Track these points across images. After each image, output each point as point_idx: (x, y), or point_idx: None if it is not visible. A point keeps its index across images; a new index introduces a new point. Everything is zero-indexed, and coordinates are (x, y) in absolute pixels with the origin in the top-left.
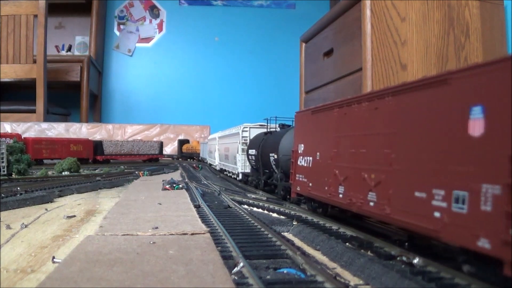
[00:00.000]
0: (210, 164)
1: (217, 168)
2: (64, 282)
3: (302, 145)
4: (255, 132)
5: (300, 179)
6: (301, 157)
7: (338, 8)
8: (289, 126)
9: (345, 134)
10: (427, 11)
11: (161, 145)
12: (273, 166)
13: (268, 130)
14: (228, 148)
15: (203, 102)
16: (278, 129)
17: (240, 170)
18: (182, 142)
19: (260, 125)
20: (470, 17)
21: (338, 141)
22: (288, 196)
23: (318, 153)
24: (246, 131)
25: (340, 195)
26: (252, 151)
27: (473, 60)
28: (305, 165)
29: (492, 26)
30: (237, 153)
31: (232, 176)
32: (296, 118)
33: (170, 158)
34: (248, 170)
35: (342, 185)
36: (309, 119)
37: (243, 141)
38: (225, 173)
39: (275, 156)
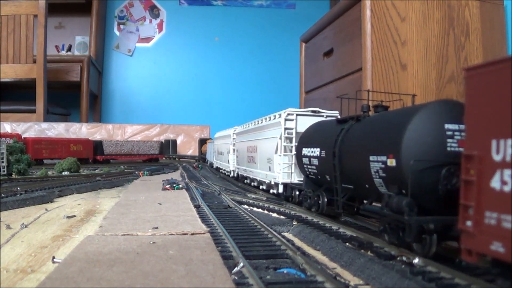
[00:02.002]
0: (219, 169)
1: (232, 174)
2: (64, 282)
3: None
4: (305, 121)
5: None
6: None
7: (338, 8)
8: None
9: None
10: (427, 11)
11: (161, 145)
12: (377, 180)
13: (339, 117)
14: (255, 147)
15: (203, 102)
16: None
17: (280, 180)
18: (202, 142)
19: (313, 111)
20: (470, 17)
21: None
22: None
23: None
24: (291, 119)
25: None
26: (311, 151)
27: (473, 60)
28: None
29: (492, 26)
30: (275, 153)
31: (261, 187)
32: (478, 82)
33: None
34: (294, 179)
35: None
36: None
37: (287, 135)
38: (246, 181)
39: (390, 162)
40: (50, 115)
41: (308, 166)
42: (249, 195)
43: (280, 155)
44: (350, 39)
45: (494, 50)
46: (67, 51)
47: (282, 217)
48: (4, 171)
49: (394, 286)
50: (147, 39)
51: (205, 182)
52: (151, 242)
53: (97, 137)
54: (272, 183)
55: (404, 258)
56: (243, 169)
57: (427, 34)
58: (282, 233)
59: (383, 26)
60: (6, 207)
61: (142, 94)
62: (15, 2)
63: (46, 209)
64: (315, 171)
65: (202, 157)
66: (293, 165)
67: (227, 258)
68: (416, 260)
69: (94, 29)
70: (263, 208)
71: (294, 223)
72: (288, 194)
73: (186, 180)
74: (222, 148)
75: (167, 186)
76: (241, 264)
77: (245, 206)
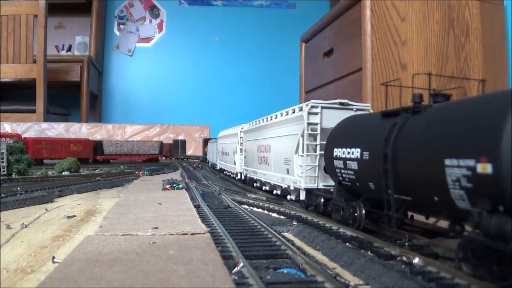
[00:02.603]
0: (223, 170)
1: (239, 177)
2: (64, 282)
3: None
4: (332, 115)
5: None
6: None
7: (338, 8)
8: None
9: None
10: (427, 11)
11: (161, 145)
12: (456, 192)
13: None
14: (269, 147)
15: (203, 102)
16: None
17: (303, 185)
18: (206, 142)
19: (341, 103)
20: (470, 17)
21: None
22: None
23: None
24: (316, 113)
25: None
26: (347, 152)
27: (473, 60)
28: None
29: (492, 26)
30: (296, 153)
31: (275, 191)
32: None
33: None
34: (319, 184)
35: None
36: None
37: (311, 131)
38: (255, 185)
39: (482, 168)
40: (50, 115)
41: (342, 171)
42: (249, 195)
43: (302, 155)
44: (350, 39)
45: (494, 50)
46: (67, 51)
47: (282, 217)
48: (4, 171)
49: (394, 286)
50: (147, 39)
51: (205, 182)
52: (151, 242)
53: (97, 137)
54: (291, 188)
55: (404, 258)
56: (253, 171)
57: (427, 34)
58: (282, 233)
59: (383, 26)
60: (6, 207)
61: (142, 94)
62: (15, 2)
63: (46, 209)
64: (352, 177)
65: (205, 158)
66: (317, 168)
67: (227, 258)
68: (416, 260)
69: (94, 29)
70: (263, 208)
71: (294, 223)
72: (314, 202)
73: (186, 180)
74: (227, 148)
75: (167, 186)
76: (241, 264)
77: (245, 206)
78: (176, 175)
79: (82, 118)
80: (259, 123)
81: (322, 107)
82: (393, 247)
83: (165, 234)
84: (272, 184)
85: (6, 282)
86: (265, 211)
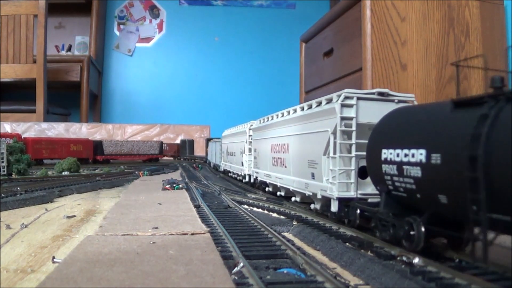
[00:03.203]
0: (228, 172)
1: (247, 179)
2: (64, 282)
3: None
4: (370, 108)
5: None
6: None
7: (338, 8)
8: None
9: None
10: (427, 11)
11: (161, 145)
12: None
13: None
14: (286, 146)
15: (203, 102)
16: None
17: (335, 193)
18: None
19: (380, 93)
20: (470, 17)
21: None
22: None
23: None
24: (350, 105)
25: None
26: (405, 154)
27: (473, 60)
28: None
29: (492, 26)
30: (325, 154)
31: (294, 198)
32: None
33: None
34: (355, 193)
35: None
36: None
37: (344, 127)
38: (267, 189)
39: None
40: (50, 115)
41: (395, 178)
42: (249, 195)
43: (334, 157)
44: (350, 39)
45: (494, 50)
46: (67, 51)
47: (282, 217)
48: (4, 171)
49: (394, 286)
50: (147, 39)
51: (205, 182)
52: (151, 242)
53: (97, 137)
54: (319, 196)
55: (404, 258)
56: (265, 174)
57: (427, 34)
58: (282, 233)
59: (383, 26)
60: (6, 207)
61: (142, 94)
62: (15, 2)
63: (46, 209)
64: (412, 186)
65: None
66: (353, 172)
67: (227, 258)
68: (416, 260)
69: (94, 29)
70: (263, 208)
71: (294, 223)
72: (350, 215)
73: (186, 180)
74: (233, 148)
75: (167, 186)
76: (241, 264)
77: (245, 206)
78: (176, 175)
79: (82, 118)
80: (272, 119)
81: (358, 98)
82: (393, 247)
83: (165, 234)
84: (290, 190)
85: (6, 282)
86: (265, 211)
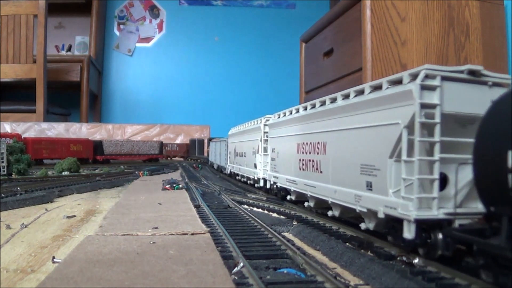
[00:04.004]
0: (236, 175)
1: (262, 184)
2: (64, 282)
3: None
4: (460, 92)
5: None
6: None
7: (338, 8)
8: None
9: None
10: (427, 11)
11: (161, 145)
12: None
13: None
14: (322, 146)
15: (203, 102)
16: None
17: (413, 213)
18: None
19: (471, 72)
20: (470, 17)
21: None
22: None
23: None
24: (432, 88)
25: None
26: None
27: (473, 60)
28: None
29: (492, 26)
30: (392, 157)
31: (331, 213)
32: None
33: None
34: (438, 211)
35: None
36: None
37: (425, 119)
38: (289, 197)
39: None
40: (50, 115)
41: None
42: (249, 195)
43: (411, 161)
44: (350, 39)
45: (494, 50)
46: (67, 51)
47: (282, 217)
48: (4, 171)
49: (394, 286)
50: (147, 39)
51: (205, 182)
52: (151, 242)
53: (97, 137)
54: (380, 215)
55: (404, 258)
56: (288, 180)
57: (427, 34)
58: (282, 233)
59: (383, 26)
60: (6, 207)
61: (142, 94)
62: (15, 2)
63: (46, 209)
64: None
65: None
66: (436, 183)
67: (227, 258)
68: (416, 260)
69: (94, 29)
70: (263, 208)
71: (294, 223)
72: (443, 246)
73: (186, 180)
74: (243, 147)
75: (167, 186)
76: (241, 264)
77: (245, 206)
78: (176, 175)
79: (82, 118)
80: (297, 112)
81: (443, 78)
82: (393, 247)
83: (165, 234)
84: (329, 202)
85: (6, 282)
86: (265, 211)
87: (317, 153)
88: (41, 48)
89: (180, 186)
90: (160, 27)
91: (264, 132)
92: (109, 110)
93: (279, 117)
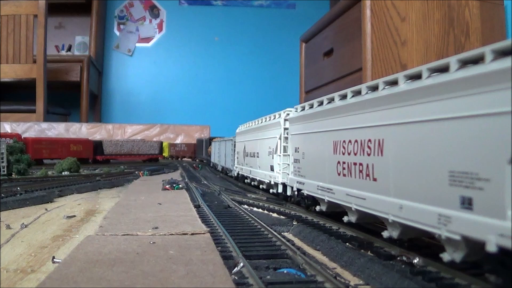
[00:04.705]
0: (244, 177)
1: (280, 190)
2: (64, 282)
3: None
4: None
5: None
6: None
7: (338, 8)
8: None
9: None
10: (427, 11)
11: (161, 145)
12: None
13: None
14: (375, 144)
15: (203, 102)
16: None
17: None
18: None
19: None
20: (470, 17)
21: None
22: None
23: None
24: None
25: None
26: None
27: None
28: None
29: (492, 26)
30: None
31: (386, 234)
32: None
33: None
34: None
35: None
36: None
37: None
38: (318, 208)
39: None
40: (50, 115)
41: None
42: (249, 195)
43: None
44: (350, 39)
45: None
46: (67, 51)
47: (282, 217)
48: (4, 171)
49: (394, 286)
50: (147, 39)
51: (205, 182)
52: (151, 242)
53: (97, 137)
54: (491, 246)
55: (404, 258)
56: (320, 187)
57: (427, 34)
58: (282, 233)
59: (383, 26)
60: (6, 207)
61: (142, 94)
62: (15, 2)
63: (46, 209)
64: None
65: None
66: None
67: (227, 258)
68: (416, 260)
69: (94, 29)
70: (263, 208)
71: (294, 223)
72: None
73: (186, 180)
74: (255, 147)
75: (167, 186)
76: (241, 264)
77: (245, 206)
78: (176, 175)
79: (82, 118)
80: (332, 101)
81: None
82: (393, 247)
83: (165, 234)
84: (389, 220)
85: (6, 282)
86: (265, 211)
87: (368, 154)
88: (41, 48)
89: (180, 186)
90: (160, 27)
91: (284, 129)
92: (109, 110)
93: (303, 109)
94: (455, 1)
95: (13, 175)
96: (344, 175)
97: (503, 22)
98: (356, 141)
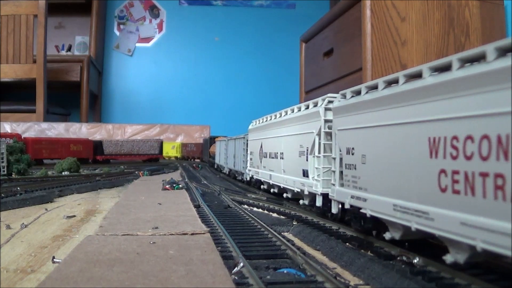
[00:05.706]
0: (261, 183)
1: (319, 203)
2: (64, 282)
3: None
4: None
5: None
6: None
7: (338, 8)
8: None
9: None
10: (427, 11)
11: (161, 144)
12: None
13: None
14: None
15: (203, 102)
16: None
17: None
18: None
19: None
20: (470, 17)
21: None
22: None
23: None
24: None
25: None
26: None
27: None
28: None
29: (492, 26)
30: None
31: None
32: None
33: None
34: None
35: None
36: None
37: None
38: (389, 236)
39: None
40: (50, 115)
41: None
42: (249, 195)
43: None
44: (350, 39)
45: None
46: (67, 51)
47: (282, 217)
48: (4, 171)
49: (394, 286)
50: (147, 39)
51: (205, 182)
52: (151, 242)
53: (97, 137)
54: None
55: (404, 258)
56: (403, 208)
57: (427, 34)
58: (282, 233)
59: (383, 26)
60: (6, 207)
61: (142, 94)
62: (15, 2)
63: (46, 209)
64: None
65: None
66: None
67: (227, 258)
68: (416, 260)
69: (94, 29)
70: (263, 208)
71: (294, 223)
72: None
73: (186, 180)
74: (279, 145)
75: (167, 186)
76: (241, 264)
77: (245, 206)
78: (176, 175)
79: (82, 118)
80: (422, 77)
81: None
82: (393, 247)
83: (165, 234)
84: None
85: (6, 282)
86: (265, 211)
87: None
88: (41, 48)
89: (180, 186)
90: (160, 27)
91: (325, 121)
92: (109, 110)
93: (358, 94)
94: (455, 1)
95: (13, 175)
96: (455, 191)
97: (503, 22)
98: (486, 137)
